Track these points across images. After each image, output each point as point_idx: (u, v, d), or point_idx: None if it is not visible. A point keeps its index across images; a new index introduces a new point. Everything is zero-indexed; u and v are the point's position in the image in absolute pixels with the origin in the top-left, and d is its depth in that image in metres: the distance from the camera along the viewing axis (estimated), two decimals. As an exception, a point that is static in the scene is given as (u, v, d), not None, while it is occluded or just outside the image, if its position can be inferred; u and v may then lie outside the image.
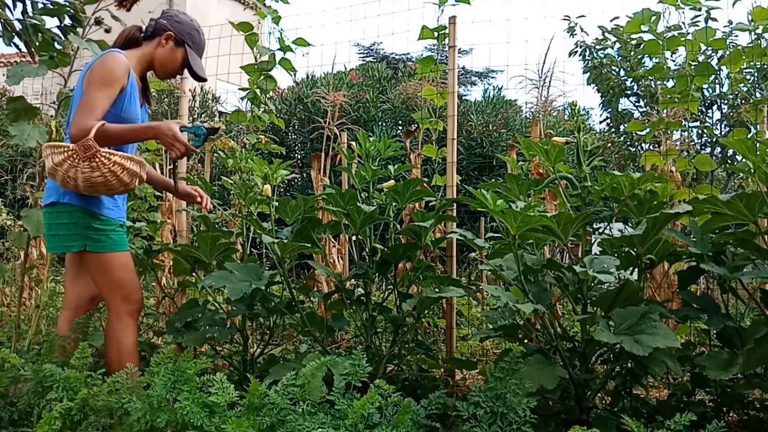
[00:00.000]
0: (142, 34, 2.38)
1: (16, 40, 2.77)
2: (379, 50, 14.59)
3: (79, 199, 2.20)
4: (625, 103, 6.35)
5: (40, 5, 2.78)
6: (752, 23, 2.84)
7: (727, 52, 2.91)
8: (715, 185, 4.94)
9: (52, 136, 2.74)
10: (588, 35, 6.39)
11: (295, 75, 3.08)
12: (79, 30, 2.84)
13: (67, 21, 2.83)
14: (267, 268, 2.41)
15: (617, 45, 6.12)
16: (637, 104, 6.31)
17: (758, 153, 1.85)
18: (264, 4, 2.90)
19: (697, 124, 4.87)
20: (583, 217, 2.01)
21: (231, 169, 2.79)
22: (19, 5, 2.75)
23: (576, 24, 6.39)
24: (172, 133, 2.15)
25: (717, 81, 5.11)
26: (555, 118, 8.19)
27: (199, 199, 2.60)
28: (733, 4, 3.05)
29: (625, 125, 6.15)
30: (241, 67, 2.97)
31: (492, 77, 14.37)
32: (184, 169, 3.16)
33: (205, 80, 2.44)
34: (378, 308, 2.59)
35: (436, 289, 2.45)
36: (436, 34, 2.82)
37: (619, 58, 6.21)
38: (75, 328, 2.30)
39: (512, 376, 1.81)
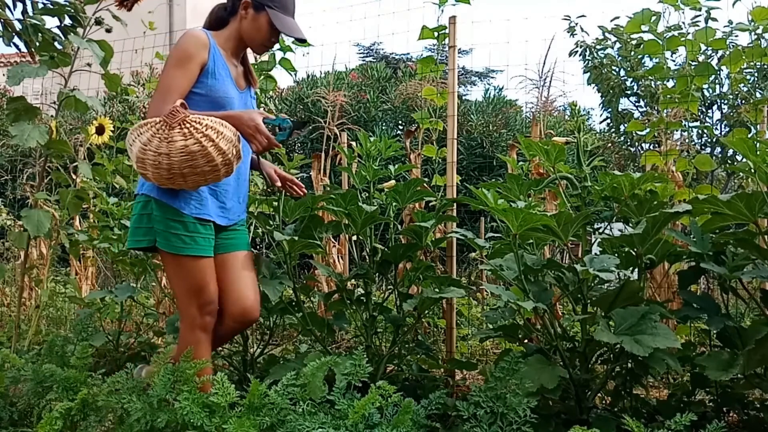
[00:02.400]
0: (226, 12, 2.18)
1: (16, 40, 2.77)
2: (379, 50, 14.58)
3: (155, 189, 2.01)
4: (625, 103, 6.33)
5: (40, 5, 2.78)
6: (752, 23, 2.84)
7: (727, 52, 2.91)
8: (715, 185, 4.94)
9: (52, 137, 2.74)
10: (588, 35, 6.38)
11: (295, 75, 3.08)
12: (80, 30, 2.84)
13: (68, 21, 2.83)
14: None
15: (617, 45, 6.11)
16: (637, 104, 6.30)
17: (758, 153, 1.85)
18: (264, 4, 2.90)
19: (697, 124, 4.86)
20: (584, 216, 2.01)
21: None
22: (19, 5, 2.75)
23: (576, 24, 6.38)
24: (254, 123, 1.97)
25: (717, 81, 5.11)
26: (555, 118, 8.18)
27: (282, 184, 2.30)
28: (733, 4, 3.06)
29: (625, 125, 6.14)
30: (242, 67, 2.96)
31: (492, 77, 14.36)
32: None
33: (304, 40, 2.20)
34: (378, 308, 2.59)
35: (437, 290, 2.45)
36: (436, 34, 2.82)
37: (619, 58, 6.19)
38: (75, 327, 2.30)
39: (512, 376, 1.81)
